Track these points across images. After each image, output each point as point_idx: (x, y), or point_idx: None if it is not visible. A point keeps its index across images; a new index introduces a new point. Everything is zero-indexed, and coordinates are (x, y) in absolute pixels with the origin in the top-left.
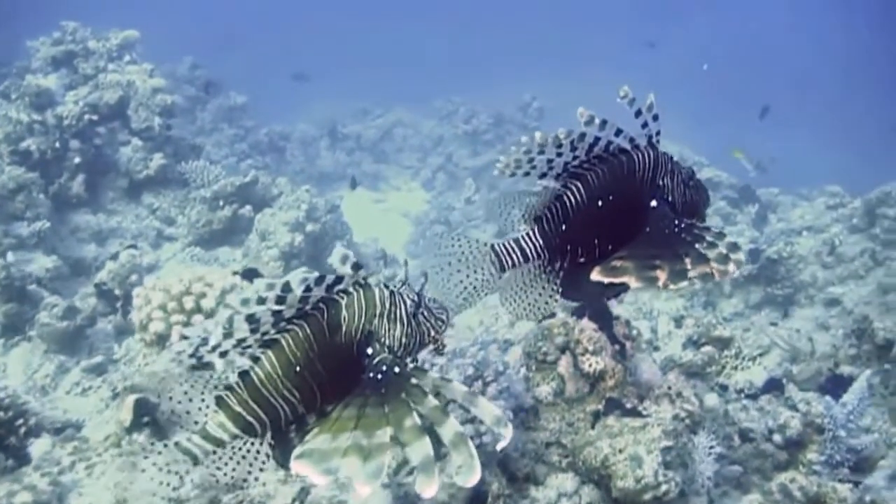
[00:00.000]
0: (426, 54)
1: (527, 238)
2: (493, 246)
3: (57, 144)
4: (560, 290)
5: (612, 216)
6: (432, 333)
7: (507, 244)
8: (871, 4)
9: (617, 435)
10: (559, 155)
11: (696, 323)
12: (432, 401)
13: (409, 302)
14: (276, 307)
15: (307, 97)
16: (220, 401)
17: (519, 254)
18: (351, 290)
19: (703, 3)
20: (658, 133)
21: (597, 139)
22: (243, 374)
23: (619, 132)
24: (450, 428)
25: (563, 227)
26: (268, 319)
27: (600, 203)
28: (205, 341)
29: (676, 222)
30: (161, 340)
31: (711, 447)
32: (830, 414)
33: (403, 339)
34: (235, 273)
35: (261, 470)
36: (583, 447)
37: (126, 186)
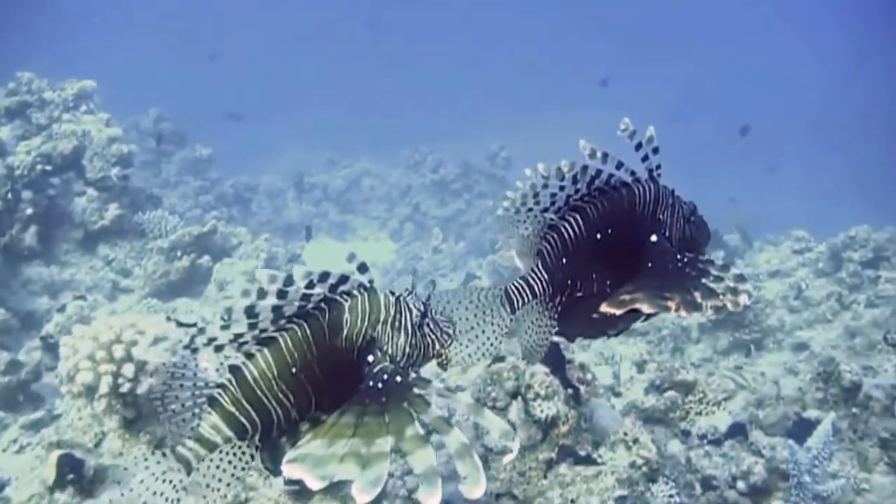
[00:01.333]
0: (392, 104)
1: (534, 275)
2: (506, 289)
3: (9, 195)
4: (556, 325)
5: (612, 250)
6: (437, 347)
7: (517, 285)
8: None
9: (569, 484)
10: (562, 189)
11: (658, 367)
12: (435, 411)
13: (414, 311)
14: (277, 301)
15: (275, 149)
16: (212, 401)
17: (528, 292)
18: (355, 292)
19: (675, 49)
20: (658, 167)
21: (599, 172)
22: (235, 371)
23: (620, 165)
24: (454, 438)
25: (564, 261)
26: (267, 315)
27: (599, 236)
28: (202, 331)
29: (679, 257)
30: (90, 392)
31: (671, 496)
32: (795, 459)
33: (407, 350)
34: (170, 319)
35: (243, 470)
36: (534, 498)
37: (81, 238)
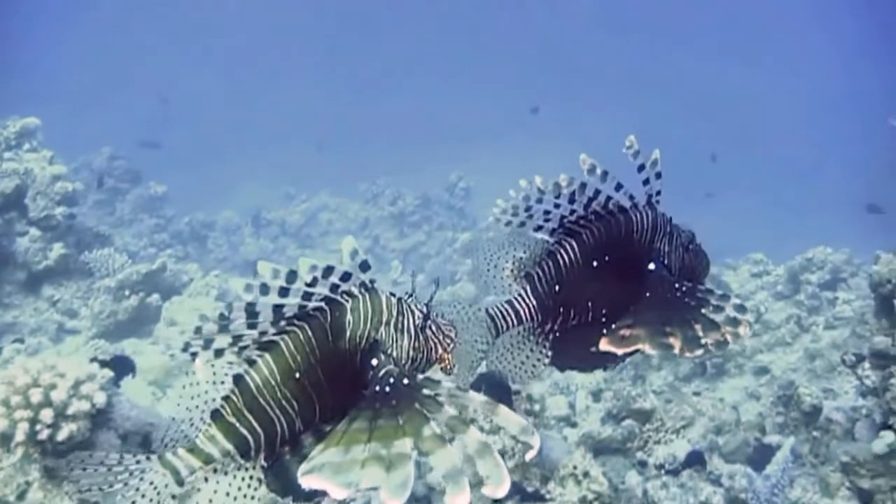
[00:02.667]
0: (348, 138)
1: (520, 299)
2: (487, 310)
3: None
4: (549, 354)
5: (608, 278)
6: (439, 351)
7: (501, 307)
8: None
9: None
10: (557, 206)
11: (615, 396)
12: (449, 410)
13: (417, 313)
14: (279, 300)
15: (232, 185)
16: (215, 414)
17: (513, 316)
18: (356, 292)
19: (631, 81)
20: (659, 192)
21: (597, 192)
22: (238, 379)
23: (619, 187)
24: (472, 437)
25: (557, 288)
26: (268, 314)
27: (595, 264)
28: (198, 331)
29: (677, 286)
30: (5, 440)
31: None
32: (753, 489)
33: (411, 353)
34: (94, 360)
35: (253, 498)
36: None
37: (24, 279)
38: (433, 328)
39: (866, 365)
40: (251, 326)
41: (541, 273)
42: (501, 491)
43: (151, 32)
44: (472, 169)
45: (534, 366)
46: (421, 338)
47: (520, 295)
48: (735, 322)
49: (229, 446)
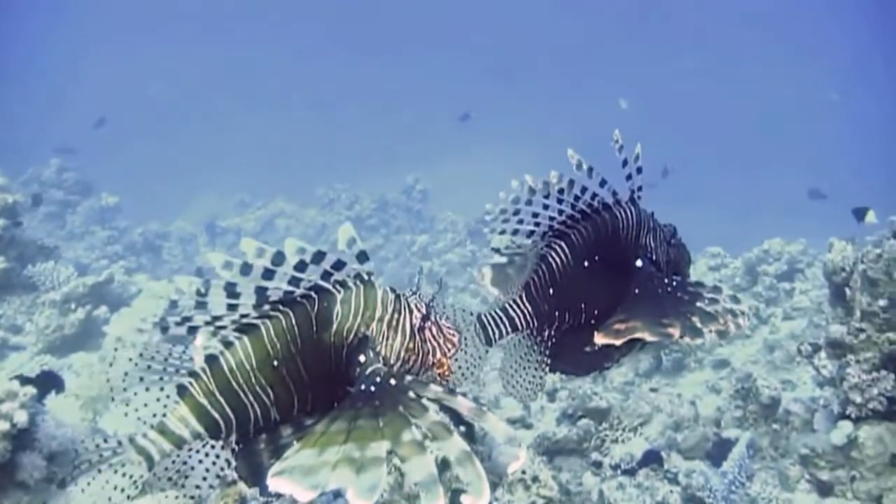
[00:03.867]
0: (304, 143)
1: (515, 306)
2: (479, 316)
3: None
4: (548, 362)
5: (599, 277)
6: (437, 355)
7: (493, 314)
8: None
9: None
10: (545, 207)
11: (570, 395)
12: (433, 415)
13: (416, 312)
14: (262, 282)
15: (186, 194)
16: (182, 390)
17: (507, 324)
18: (350, 283)
19: (588, 81)
20: (640, 188)
21: (583, 189)
22: (211, 359)
23: (603, 183)
24: (454, 445)
25: (551, 292)
26: (249, 297)
27: (586, 264)
28: (174, 305)
29: (666, 282)
30: None
31: None
32: (710, 487)
33: (403, 353)
34: (17, 377)
35: (218, 476)
36: None
37: None
38: (433, 330)
39: (823, 355)
40: (231, 308)
41: (536, 278)
42: (481, 502)
43: (104, 41)
44: (428, 172)
45: (541, 379)
46: (417, 338)
47: (514, 301)
48: (733, 313)
49: (200, 429)
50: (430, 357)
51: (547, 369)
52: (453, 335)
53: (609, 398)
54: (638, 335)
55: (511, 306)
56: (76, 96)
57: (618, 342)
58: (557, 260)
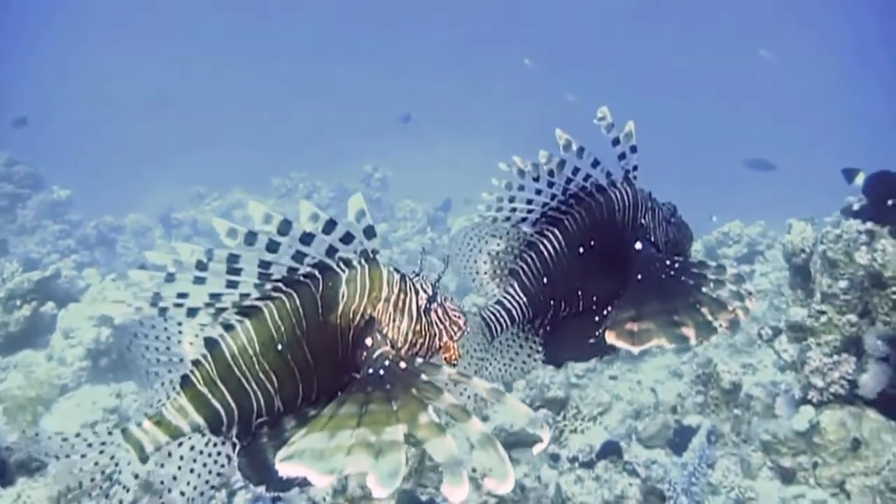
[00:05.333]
0: (259, 133)
1: (510, 298)
2: (482, 315)
3: None
4: (543, 349)
5: (596, 263)
6: (444, 338)
7: (494, 310)
8: None
9: None
10: (538, 192)
11: (527, 385)
12: (449, 398)
13: (422, 293)
14: (266, 255)
15: (141, 186)
16: (184, 380)
17: (507, 317)
18: (354, 262)
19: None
20: (636, 167)
21: (575, 170)
22: (211, 344)
23: (596, 163)
24: (473, 427)
25: (545, 281)
26: (252, 272)
27: (581, 250)
28: (170, 277)
29: (668, 264)
30: None
31: None
32: (669, 479)
33: (410, 336)
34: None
35: (219, 475)
36: None
37: None
38: (439, 312)
39: (784, 338)
40: (231, 285)
41: (526, 267)
42: (505, 486)
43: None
44: (386, 160)
45: (524, 362)
46: (424, 321)
47: (508, 293)
48: (740, 296)
49: (199, 419)
50: (437, 340)
51: (537, 356)
52: (459, 317)
53: (567, 388)
54: (654, 342)
55: (506, 298)
56: (18, 92)
57: (636, 350)
58: (549, 248)
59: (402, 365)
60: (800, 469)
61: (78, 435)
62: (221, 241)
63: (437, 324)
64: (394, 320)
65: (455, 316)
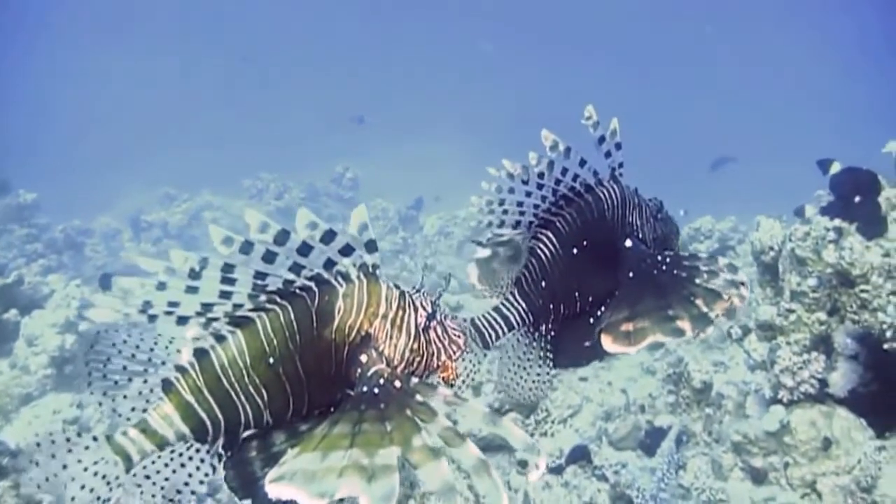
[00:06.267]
0: (228, 135)
1: (508, 305)
2: (473, 321)
3: None
4: (550, 359)
5: (589, 263)
6: (442, 357)
7: (487, 316)
8: None
9: None
10: (528, 195)
11: (496, 388)
12: (444, 421)
13: (421, 311)
14: (262, 265)
15: (109, 189)
16: (167, 386)
17: (503, 324)
18: (353, 275)
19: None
20: (621, 165)
21: (564, 171)
22: (200, 354)
23: (583, 163)
24: (468, 452)
25: (543, 284)
26: (246, 283)
27: (575, 251)
28: (161, 286)
29: (659, 259)
30: None
31: None
32: (637, 486)
33: (407, 354)
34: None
35: (200, 482)
36: None
37: None
38: (438, 330)
39: (753, 337)
40: (224, 295)
41: (527, 273)
42: None
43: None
44: (357, 160)
45: (548, 375)
46: (422, 339)
47: (506, 300)
48: (734, 284)
49: (185, 430)
50: (435, 360)
51: (551, 364)
52: (458, 336)
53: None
54: (650, 339)
55: (504, 305)
56: None
57: (632, 350)
58: (546, 251)
59: (398, 384)
60: (771, 469)
61: (67, 440)
62: (215, 249)
63: (435, 342)
64: (391, 337)
65: (455, 335)
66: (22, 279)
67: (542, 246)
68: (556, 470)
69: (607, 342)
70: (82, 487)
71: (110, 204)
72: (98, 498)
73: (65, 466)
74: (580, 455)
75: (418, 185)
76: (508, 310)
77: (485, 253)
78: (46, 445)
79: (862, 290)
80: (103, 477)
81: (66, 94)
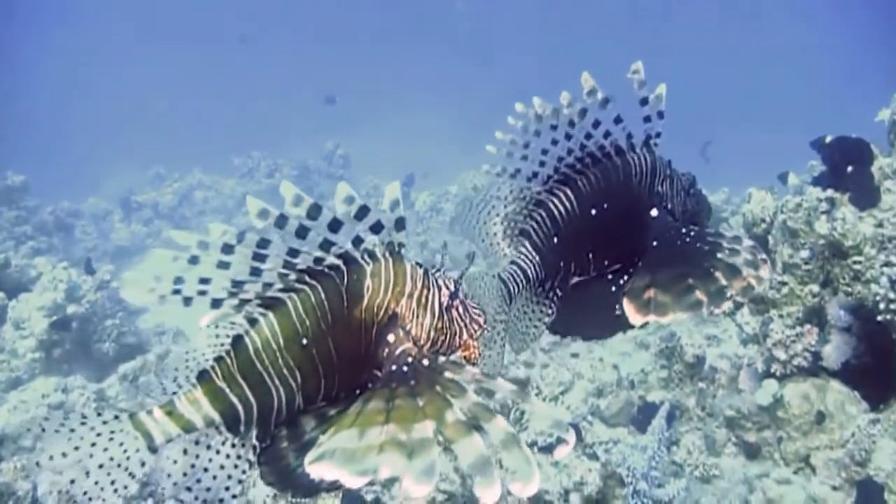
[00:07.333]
0: (218, 113)
1: (524, 258)
2: (499, 276)
3: None
4: (550, 314)
5: (608, 227)
6: (464, 336)
7: (511, 271)
8: None
9: None
10: (554, 143)
11: (483, 365)
12: (474, 396)
13: (444, 290)
14: (294, 241)
15: (98, 169)
16: (203, 375)
17: (522, 277)
18: (379, 254)
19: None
20: (659, 135)
21: (596, 123)
22: (236, 339)
23: (618, 120)
24: (498, 427)
25: (555, 241)
26: (277, 259)
27: (594, 212)
28: (194, 259)
29: (684, 232)
30: None
31: None
32: (628, 465)
33: (432, 333)
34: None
35: (239, 481)
36: None
37: None
38: (460, 309)
39: (745, 311)
40: (254, 272)
41: (536, 226)
42: (530, 489)
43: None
44: (347, 137)
45: (535, 328)
46: (445, 318)
47: (521, 253)
48: (754, 264)
49: (214, 414)
50: (457, 338)
51: (546, 321)
52: (479, 315)
53: (525, 369)
54: (671, 316)
55: (521, 258)
56: None
57: (653, 320)
58: (561, 207)
59: (426, 362)
60: (764, 444)
61: (84, 421)
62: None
63: (457, 321)
64: (417, 316)
65: (475, 314)
66: (8, 262)
67: (556, 202)
68: (547, 449)
69: (630, 309)
70: (102, 458)
71: (100, 185)
72: (118, 466)
73: (92, 445)
74: None
75: (408, 161)
76: (525, 263)
77: (511, 209)
78: (56, 420)
79: (855, 262)
80: (124, 449)
81: (53, 75)
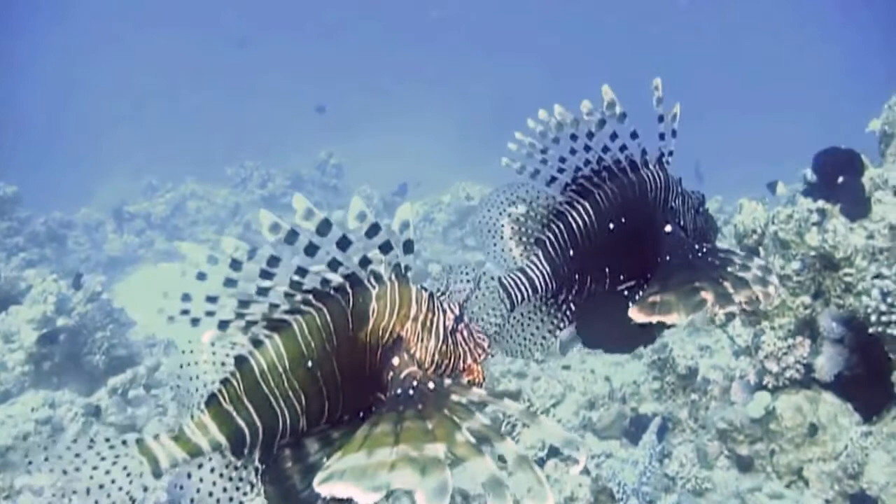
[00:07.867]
0: (210, 123)
1: (534, 266)
2: (501, 280)
3: None
4: (562, 326)
5: (624, 241)
6: (468, 360)
7: (515, 276)
8: None
9: None
10: (573, 152)
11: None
12: (482, 418)
13: (448, 313)
14: (303, 258)
15: (91, 180)
16: (210, 399)
17: (528, 286)
18: (384, 277)
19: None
20: (671, 153)
21: (614, 136)
22: (241, 361)
23: (634, 135)
24: (508, 448)
25: (571, 253)
26: (284, 279)
27: (612, 226)
28: (202, 276)
29: (697, 247)
30: None
31: None
32: (618, 481)
33: (437, 357)
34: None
35: (241, 503)
36: None
37: None
38: (465, 333)
39: (737, 323)
40: (261, 292)
41: (552, 237)
42: None
43: None
44: (341, 146)
45: (543, 338)
46: (450, 342)
47: (532, 262)
48: (763, 282)
49: (221, 438)
50: (461, 362)
51: (556, 332)
52: (483, 340)
53: (517, 381)
54: (674, 314)
55: (530, 267)
56: None
57: (653, 319)
58: (579, 220)
59: (431, 385)
60: (757, 457)
61: (90, 445)
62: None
63: (462, 345)
64: (421, 340)
65: (480, 338)
66: None
67: (575, 214)
68: (538, 463)
69: (633, 312)
70: (104, 480)
71: (92, 195)
72: (120, 489)
73: (94, 468)
74: None
75: (401, 171)
76: (534, 272)
77: (521, 210)
78: (64, 443)
79: (846, 273)
80: (127, 474)
81: (44, 85)
